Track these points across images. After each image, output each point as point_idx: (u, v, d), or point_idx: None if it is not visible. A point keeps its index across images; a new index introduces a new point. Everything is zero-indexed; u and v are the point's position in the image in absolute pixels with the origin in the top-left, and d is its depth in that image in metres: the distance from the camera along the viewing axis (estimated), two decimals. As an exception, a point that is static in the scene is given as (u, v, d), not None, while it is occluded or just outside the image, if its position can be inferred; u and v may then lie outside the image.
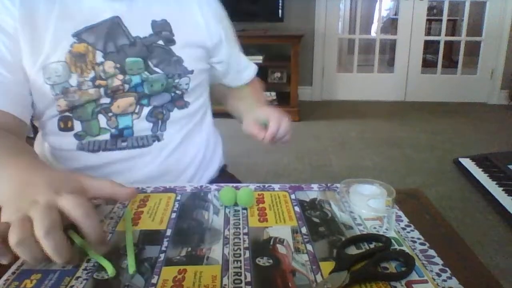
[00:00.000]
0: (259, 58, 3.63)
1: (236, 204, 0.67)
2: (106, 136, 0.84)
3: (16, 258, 0.50)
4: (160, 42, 0.86)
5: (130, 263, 0.51)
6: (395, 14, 5.40)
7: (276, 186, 0.74)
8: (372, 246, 0.57)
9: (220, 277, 0.49)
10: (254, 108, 0.93)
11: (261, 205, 0.67)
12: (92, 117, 0.83)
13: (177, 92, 0.89)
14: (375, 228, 0.61)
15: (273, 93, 3.78)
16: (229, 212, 0.65)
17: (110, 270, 0.50)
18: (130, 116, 0.85)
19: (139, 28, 0.84)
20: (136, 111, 0.85)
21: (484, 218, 2.11)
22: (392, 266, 0.52)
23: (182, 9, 0.91)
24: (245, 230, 0.60)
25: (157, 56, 0.85)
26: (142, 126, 0.86)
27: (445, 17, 4.47)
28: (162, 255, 0.53)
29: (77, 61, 0.79)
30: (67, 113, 0.83)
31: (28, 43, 0.77)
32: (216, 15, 0.98)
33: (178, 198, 0.70)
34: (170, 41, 0.87)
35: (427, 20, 4.49)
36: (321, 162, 2.85)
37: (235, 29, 1.04)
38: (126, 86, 0.83)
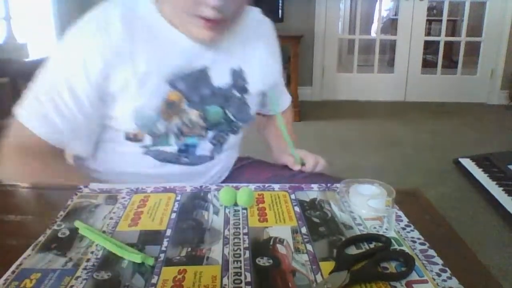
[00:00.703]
0: (259, 58, 3.62)
1: (236, 204, 0.67)
2: (173, 149, 0.88)
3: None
4: (236, 92, 0.90)
5: (133, 257, 0.52)
6: (395, 15, 5.40)
7: (276, 186, 0.74)
8: (372, 246, 0.57)
9: (220, 277, 0.49)
10: (291, 149, 1.02)
11: (261, 205, 0.67)
12: (163, 134, 0.86)
13: (236, 129, 0.95)
14: (375, 228, 0.61)
15: (273, 93, 3.77)
16: (229, 212, 0.65)
17: (137, 258, 0.51)
18: (197, 137, 0.89)
19: (220, 78, 0.87)
20: (203, 134, 0.90)
21: (484, 218, 2.11)
22: (392, 266, 0.52)
23: (255, 56, 0.94)
24: (245, 230, 0.60)
25: (233, 105, 0.90)
26: (205, 146, 0.91)
27: (445, 18, 4.47)
28: (162, 255, 0.53)
29: (169, 108, 0.82)
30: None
31: (127, 81, 0.79)
32: (277, 55, 1.02)
33: (178, 198, 0.69)
34: (244, 90, 0.92)
35: (427, 20, 4.48)
36: (321, 162, 2.85)
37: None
38: (205, 129, 0.89)
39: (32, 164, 0.80)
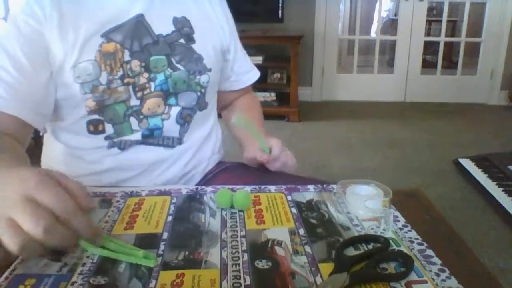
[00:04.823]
0: (259, 59, 3.62)
1: (232, 207, 0.66)
2: (137, 136, 0.86)
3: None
4: (182, 40, 0.88)
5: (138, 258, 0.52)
6: (395, 15, 5.40)
7: (272, 188, 0.74)
8: (370, 247, 0.56)
9: (219, 280, 0.49)
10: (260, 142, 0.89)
11: (257, 207, 0.67)
12: (124, 119, 0.84)
13: (202, 90, 0.91)
14: (372, 228, 0.61)
15: (273, 94, 3.77)
16: (226, 214, 0.64)
17: (139, 259, 0.51)
18: (159, 117, 0.87)
19: (161, 26, 0.86)
20: (165, 111, 0.87)
21: (484, 218, 2.11)
22: (391, 267, 0.52)
23: (198, 7, 0.93)
24: (243, 233, 0.59)
25: (179, 53, 0.87)
26: (171, 127, 0.88)
27: (445, 18, 4.46)
28: (159, 259, 0.53)
29: (107, 59, 0.80)
30: (97, 116, 0.83)
31: (60, 45, 0.77)
32: (225, 15, 1.00)
33: (174, 201, 0.69)
34: (191, 39, 0.89)
35: (427, 20, 4.48)
36: (321, 163, 2.85)
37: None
38: (152, 84, 0.85)
39: None
